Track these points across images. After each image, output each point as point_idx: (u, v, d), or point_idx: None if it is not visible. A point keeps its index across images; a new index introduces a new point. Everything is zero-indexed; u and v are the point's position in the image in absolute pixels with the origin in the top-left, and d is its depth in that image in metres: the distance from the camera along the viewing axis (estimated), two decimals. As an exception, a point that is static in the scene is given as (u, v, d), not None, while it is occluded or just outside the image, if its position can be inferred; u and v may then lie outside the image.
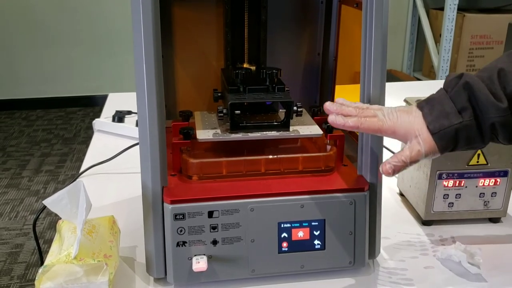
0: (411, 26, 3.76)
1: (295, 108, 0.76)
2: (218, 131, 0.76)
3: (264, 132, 0.75)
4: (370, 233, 0.73)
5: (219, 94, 0.81)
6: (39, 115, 3.60)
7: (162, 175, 0.67)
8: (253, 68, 0.87)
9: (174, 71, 0.92)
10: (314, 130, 0.78)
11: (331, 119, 0.63)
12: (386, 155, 0.74)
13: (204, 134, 0.75)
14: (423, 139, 0.60)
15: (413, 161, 0.61)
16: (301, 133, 0.77)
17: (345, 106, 0.65)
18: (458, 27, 3.20)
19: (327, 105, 0.65)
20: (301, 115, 0.78)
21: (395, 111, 0.63)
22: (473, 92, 0.58)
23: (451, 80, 0.62)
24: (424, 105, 0.62)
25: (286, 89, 0.79)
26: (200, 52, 0.92)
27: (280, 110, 0.82)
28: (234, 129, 0.75)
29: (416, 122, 0.61)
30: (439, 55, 3.24)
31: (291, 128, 0.77)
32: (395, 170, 0.61)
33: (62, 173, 2.71)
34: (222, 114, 0.74)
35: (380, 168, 0.62)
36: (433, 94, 0.63)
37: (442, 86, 0.63)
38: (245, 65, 0.88)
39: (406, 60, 3.86)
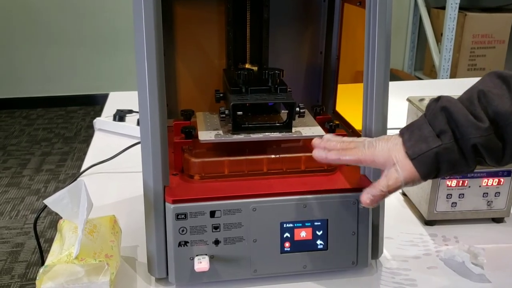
0: (413, 25, 3.76)
1: (297, 109, 0.76)
2: (220, 132, 0.76)
3: (266, 133, 0.75)
4: (373, 233, 0.72)
5: (221, 94, 0.81)
6: (39, 114, 3.60)
7: (164, 175, 0.67)
8: (255, 68, 0.86)
9: (175, 70, 0.91)
10: (317, 131, 0.78)
11: (314, 153, 0.66)
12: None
13: (206, 136, 0.75)
14: (402, 166, 0.58)
15: (392, 190, 0.60)
16: (303, 134, 0.77)
17: (330, 141, 0.66)
18: (459, 26, 3.19)
19: (314, 142, 0.68)
20: (303, 116, 0.78)
21: (375, 140, 0.62)
22: (451, 114, 0.57)
23: (429, 104, 0.60)
24: (404, 131, 0.61)
25: (288, 90, 0.79)
26: (201, 51, 0.91)
27: (283, 111, 0.82)
28: (236, 130, 0.75)
29: (395, 149, 0.59)
30: (440, 54, 3.23)
31: (293, 129, 0.76)
32: (374, 201, 0.61)
33: (63, 172, 2.71)
34: (224, 115, 0.74)
35: (360, 199, 0.62)
36: (414, 120, 0.62)
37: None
38: (247, 66, 0.87)
39: (407, 59, 3.86)
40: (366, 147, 0.62)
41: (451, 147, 0.56)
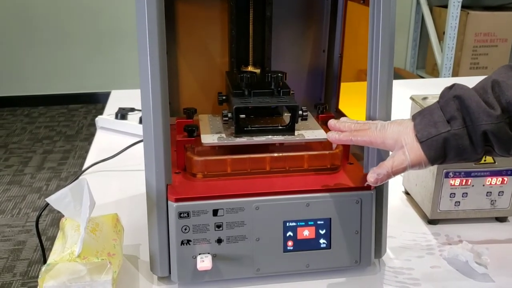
0: (415, 23, 3.75)
1: (300, 112, 0.76)
2: (223, 135, 0.76)
3: (269, 137, 0.75)
4: (376, 232, 0.72)
5: (224, 97, 0.81)
6: (41, 112, 3.60)
7: (167, 173, 0.67)
8: (258, 71, 0.86)
9: (178, 68, 0.91)
10: (320, 134, 0.78)
11: (328, 135, 0.68)
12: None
13: (209, 139, 0.75)
14: (410, 148, 0.59)
15: (396, 171, 0.61)
16: (306, 138, 0.77)
17: (344, 123, 0.68)
18: (462, 25, 3.18)
19: (330, 123, 0.70)
20: (306, 119, 0.78)
21: (388, 123, 0.64)
22: (463, 100, 0.57)
23: (443, 91, 0.61)
24: (416, 116, 0.62)
25: (291, 92, 0.79)
26: (204, 49, 0.91)
27: (286, 114, 0.82)
28: (238, 133, 0.75)
29: (405, 132, 0.61)
30: (442, 53, 3.22)
31: (296, 132, 0.76)
32: (379, 180, 0.62)
33: (65, 170, 2.71)
34: (227, 119, 0.75)
35: (367, 177, 0.63)
36: (427, 106, 0.63)
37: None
38: (250, 68, 0.87)
39: (409, 57, 3.85)
40: (378, 129, 0.63)
41: (460, 133, 0.57)
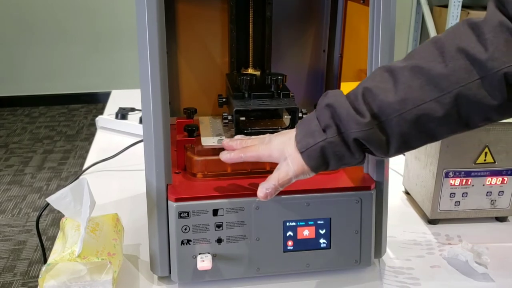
0: (415, 23, 3.75)
1: (300, 114, 0.76)
2: (223, 137, 0.76)
3: None
4: (376, 231, 0.72)
5: (224, 99, 0.81)
6: (41, 112, 3.60)
7: (167, 173, 0.67)
8: (258, 73, 0.86)
9: (178, 68, 0.91)
10: None
11: (220, 155, 0.67)
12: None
13: (209, 141, 0.75)
14: (292, 159, 0.60)
15: (283, 183, 0.61)
16: None
17: (237, 141, 0.68)
18: (462, 25, 3.18)
19: (223, 142, 0.69)
20: None
21: (275, 135, 0.64)
22: (334, 109, 0.57)
23: (320, 99, 0.61)
24: (298, 125, 0.62)
25: (291, 95, 0.79)
26: (204, 49, 0.91)
27: (286, 116, 0.82)
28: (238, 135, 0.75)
29: (288, 143, 0.61)
30: (443, 53, 3.22)
31: None
32: (268, 194, 0.62)
33: (65, 170, 2.71)
34: (227, 121, 0.75)
35: (257, 193, 0.63)
36: (307, 115, 0.63)
37: None
38: (250, 70, 0.87)
39: (409, 57, 3.84)
40: (264, 143, 0.64)
41: (335, 140, 0.57)
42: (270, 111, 0.81)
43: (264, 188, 0.62)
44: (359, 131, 0.56)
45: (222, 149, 0.75)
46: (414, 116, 0.54)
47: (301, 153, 0.59)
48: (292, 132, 0.62)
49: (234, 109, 0.73)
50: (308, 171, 0.60)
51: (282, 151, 0.61)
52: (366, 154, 0.59)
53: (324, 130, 0.58)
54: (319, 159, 0.58)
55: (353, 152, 0.58)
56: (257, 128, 0.76)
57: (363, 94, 0.57)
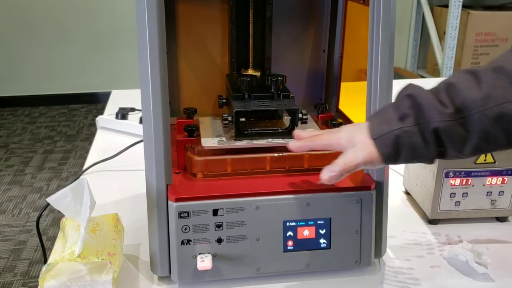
0: (415, 23, 3.75)
1: (300, 115, 0.76)
2: (223, 138, 0.76)
3: (269, 140, 0.76)
4: (376, 232, 0.72)
5: (224, 100, 0.81)
6: (42, 112, 3.60)
7: (167, 173, 0.67)
8: (258, 74, 0.86)
9: (178, 68, 0.91)
10: None
11: (288, 145, 0.68)
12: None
13: (209, 142, 0.75)
14: (362, 145, 0.60)
15: (348, 168, 0.61)
16: None
17: (306, 132, 0.69)
18: (462, 25, 3.18)
19: (295, 132, 0.70)
20: (306, 122, 0.78)
21: (344, 126, 0.65)
22: (415, 98, 0.57)
23: (399, 91, 0.61)
24: (371, 116, 0.62)
25: (291, 95, 0.79)
26: (204, 49, 0.91)
27: (286, 117, 0.82)
28: (239, 136, 0.75)
29: (359, 131, 0.61)
30: (443, 53, 3.22)
31: None
32: (332, 177, 0.62)
33: (65, 170, 2.71)
34: (227, 122, 0.75)
35: (320, 176, 0.63)
36: (384, 106, 0.63)
37: None
38: (250, 71, 0.87)
39: (410, 57, 3.85)
40: (333, 132, 0.65)
41: (412, 130, 0.57)
42: (270, 112, 0.82)
43: (330, 171, 0.61)
44: (441, 121, 0.55)
45: (222, 149, 0.75)
46: (496, 114, 0.53)
47: (374, 139, 0.59)
48: (363, 123, 0.62)
49: (234, 110, 0.73)
50: (378, 160, 0.59)
51: (350, 138, 0.61)
52: (437, 153, 0.58)
53: (401, 119, 0.57)
54: (392, 148, 0.58)
55: (429, 145, 0.57)
56: (257, 129, 0.76)
57: (446, 88, 0.57)
